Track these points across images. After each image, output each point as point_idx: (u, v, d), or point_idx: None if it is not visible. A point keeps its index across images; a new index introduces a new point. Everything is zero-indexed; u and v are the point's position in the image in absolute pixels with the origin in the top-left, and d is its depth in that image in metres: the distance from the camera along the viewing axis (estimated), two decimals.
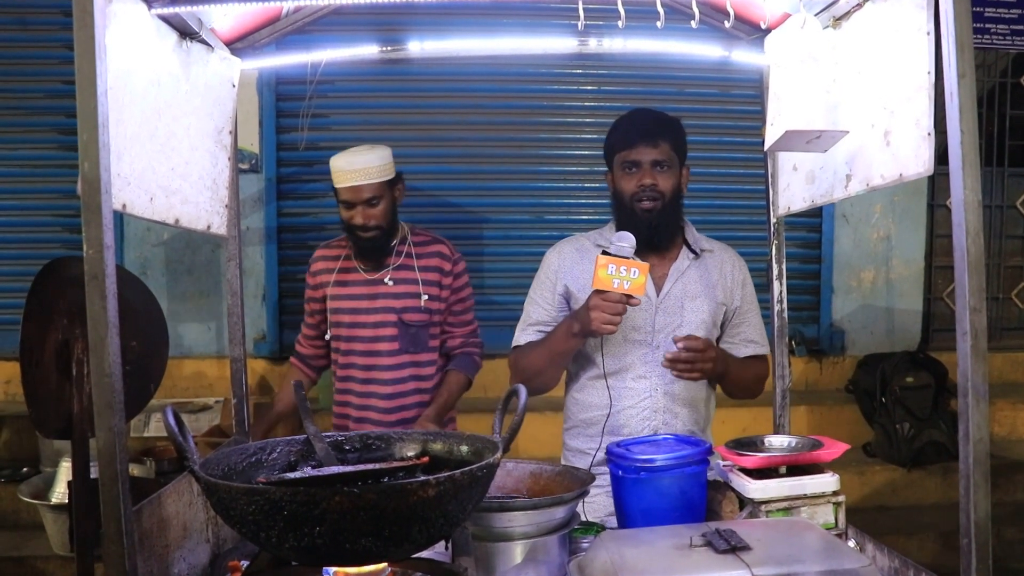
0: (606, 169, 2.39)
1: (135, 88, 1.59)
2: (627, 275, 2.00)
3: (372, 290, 2.81)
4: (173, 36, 1.79)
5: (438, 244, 2.89)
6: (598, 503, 2.21)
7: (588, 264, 2.33)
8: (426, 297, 2.80)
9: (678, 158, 2.31)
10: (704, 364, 2.26)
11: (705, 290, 2.33)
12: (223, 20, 1.99)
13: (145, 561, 1.51)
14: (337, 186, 2.73)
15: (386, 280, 2.81)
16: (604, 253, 2.03)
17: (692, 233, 2.40)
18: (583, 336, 2.17)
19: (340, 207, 2.77)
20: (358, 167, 2.70)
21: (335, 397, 2.89)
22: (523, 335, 2.38)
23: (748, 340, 2.40)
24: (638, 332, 2.28)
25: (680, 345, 2.26)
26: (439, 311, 2.85)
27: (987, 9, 4.91)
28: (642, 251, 2.06)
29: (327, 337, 2.86)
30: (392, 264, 2.83)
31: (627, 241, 2.03)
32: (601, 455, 2.15)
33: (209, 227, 1.97)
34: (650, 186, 2.25)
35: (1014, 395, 4.76)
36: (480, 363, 2.98)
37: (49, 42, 4.43)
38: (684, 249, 2.37)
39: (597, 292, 2.05)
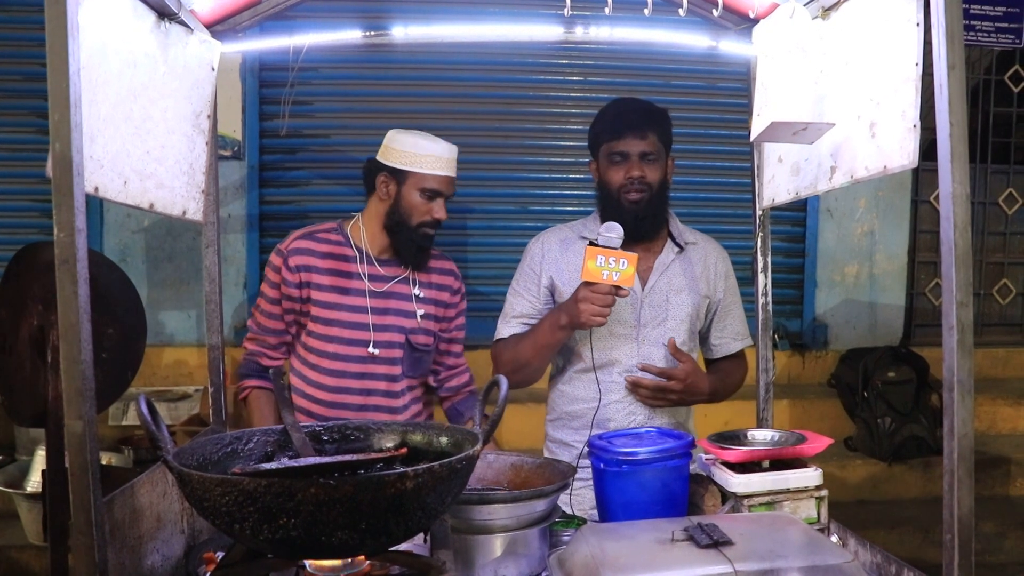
0: (590, 158, 2.36)
1: (110, 68, 1.55)
2: (616, 266, 1.98)
3: (381, 303, 2.44)
4: (151, 16, 1.75)
5: (447, 261, 2.58)
6: (583, 496, 2.18)
7: (573, 256, 2.30)
8: (433, 319, 2.50)
9: (664, 149, 2.28)
10: (671, 396, 2.24)
11: (690, 283, 2.31)
12: (203, 1, 1.95)
13: (116, 553, 1.47)
14: (425, 172, 2.36)
15: (416, 292, 2.47)
16: (592, 244, 2.01)
17: (676, 225, 2.37)
18: (571, 329, 2.14)
19: (414, 196, 2.38)
20: (454, 155, 2.41)
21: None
22: (506, 327, 2.33)
23: (736, 333, 2.41)
24: (623, 326, 2.26)
25: (649, 376, 2.23)
26: (439, 337, 2.55)
27: (972, 6, 4.92)
28: (627, 243, 2.02)
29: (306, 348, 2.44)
30: (405, 276, 2.47)
31: (615, 232, 2.01)
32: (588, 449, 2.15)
33: (185, 212, 1.93)
34: (638, 178, 2.21)
35: (994, 391, 4.80)
36: None
37: (26, 24, 4.34)
38: (669, 242, 2.34)
39: (586, 284, 2.02)
